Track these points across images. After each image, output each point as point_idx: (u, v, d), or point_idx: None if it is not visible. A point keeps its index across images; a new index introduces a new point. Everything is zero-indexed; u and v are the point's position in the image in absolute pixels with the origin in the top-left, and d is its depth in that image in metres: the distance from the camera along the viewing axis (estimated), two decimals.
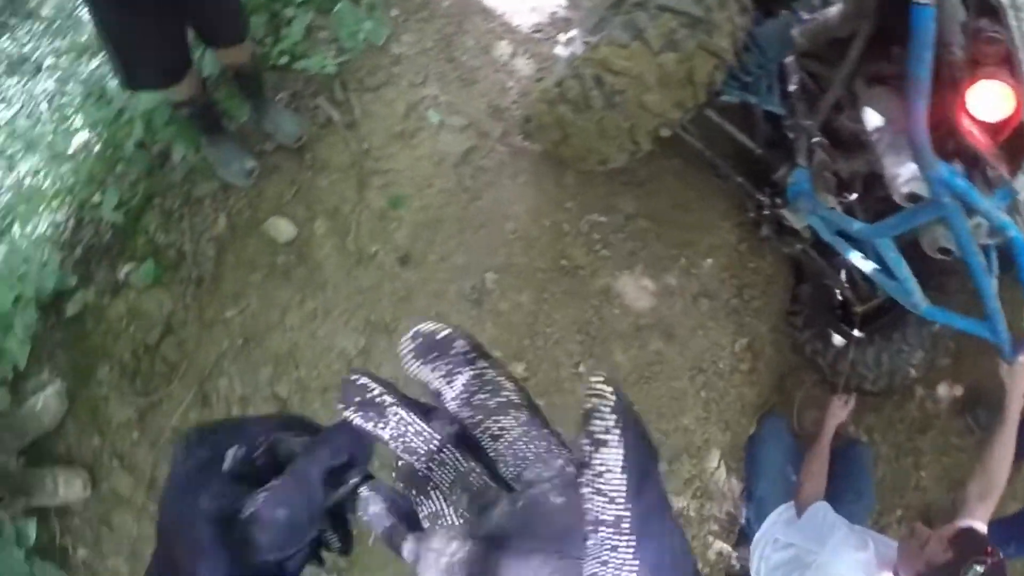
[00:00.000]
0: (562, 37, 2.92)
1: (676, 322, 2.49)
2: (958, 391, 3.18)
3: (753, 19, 2.38)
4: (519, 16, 3.08)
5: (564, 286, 2.43)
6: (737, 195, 2.63)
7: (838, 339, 2.82)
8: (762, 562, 2.51)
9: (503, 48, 3.01)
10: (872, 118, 2.11)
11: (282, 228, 2.69)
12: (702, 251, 2.58)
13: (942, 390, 3.16)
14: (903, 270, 2.16)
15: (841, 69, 2.17)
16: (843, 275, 2.74)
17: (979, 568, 1.95)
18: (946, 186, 1.68)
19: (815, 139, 2.36)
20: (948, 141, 1.72)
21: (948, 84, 1.64)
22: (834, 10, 2.12)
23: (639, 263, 2.50)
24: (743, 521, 2.75)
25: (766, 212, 2.53)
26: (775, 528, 2.55)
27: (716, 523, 2.69)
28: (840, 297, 2.83)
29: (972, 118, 1.63)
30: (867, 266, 2.29)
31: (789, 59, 2.39)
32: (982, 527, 2.18)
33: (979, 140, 1.65)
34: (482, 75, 2.89)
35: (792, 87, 2.50)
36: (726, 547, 2.70)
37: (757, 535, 2.59)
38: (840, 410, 2.79)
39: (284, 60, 2.97)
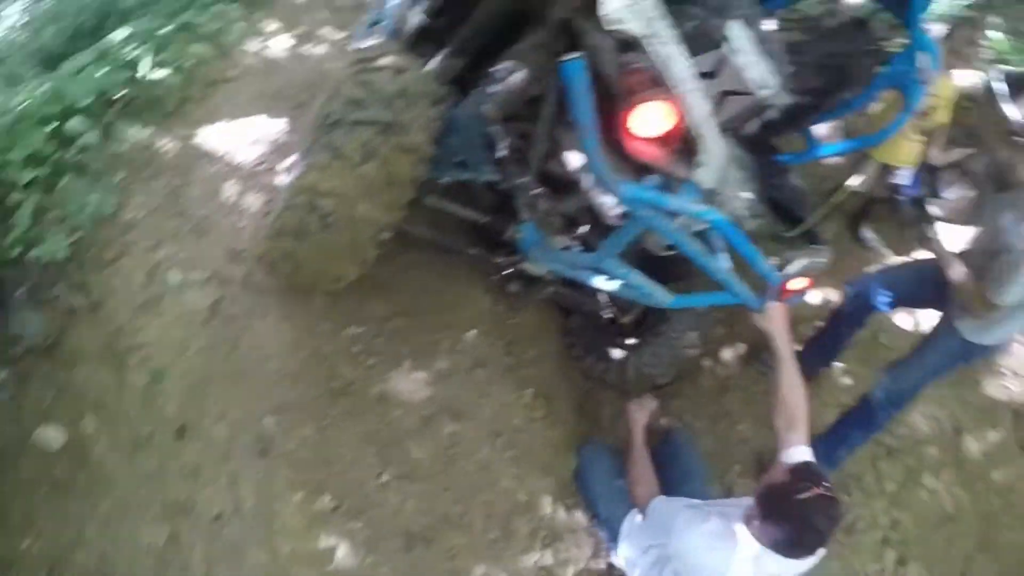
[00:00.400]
0: (283, 165, 2.97)
1: (459, 400, 2.61)
2: (741, 348, 3.51)
3: (450, 104, 2.53)
4: (242, 152, 3.12)
5: (342, 406, 2.50)
6: (479, 264, 2.77)
7: (618, 352, 3.05)
8: (636, 571, 2.65)
9: (230, 189, 3.03)
10: (574, 159, 2.30)
11: (51, 436, 2.58)
12: (463, 326, 2.72)
13: (727, 353, 3.49)
14: (637, 279, 2.38)
15: (540, 123, 2.35)
16: (600, 296, 2.96)
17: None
18: (637, 201, 1.87)
19: (532, 192, 2.55)
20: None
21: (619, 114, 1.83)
22: (516, 77, 2.29)
23: (406, 359, 2.60)
24: (608, 549, 2.85)
25: (508, 271, 2.69)
26: (631, 539, 2.69)
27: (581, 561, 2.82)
28: (606, 316, 3.05)
29: (639, 137, 1.84)
30: (610, 286, 2.50)
31: (494, 127, 2.56)
32: (805, 450, 2.39)
33: (650, 153, 1.87)
34: (214, 222, 2.89)
35: (501, 152, 2.69)
36: None
37: (623, 556, 2.71)
38: (639, 412, 2.98)
39: (17, 251, 2.83)
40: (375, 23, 3.57)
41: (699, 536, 2.39)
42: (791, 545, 2.24)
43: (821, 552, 2.31)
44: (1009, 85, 2.27)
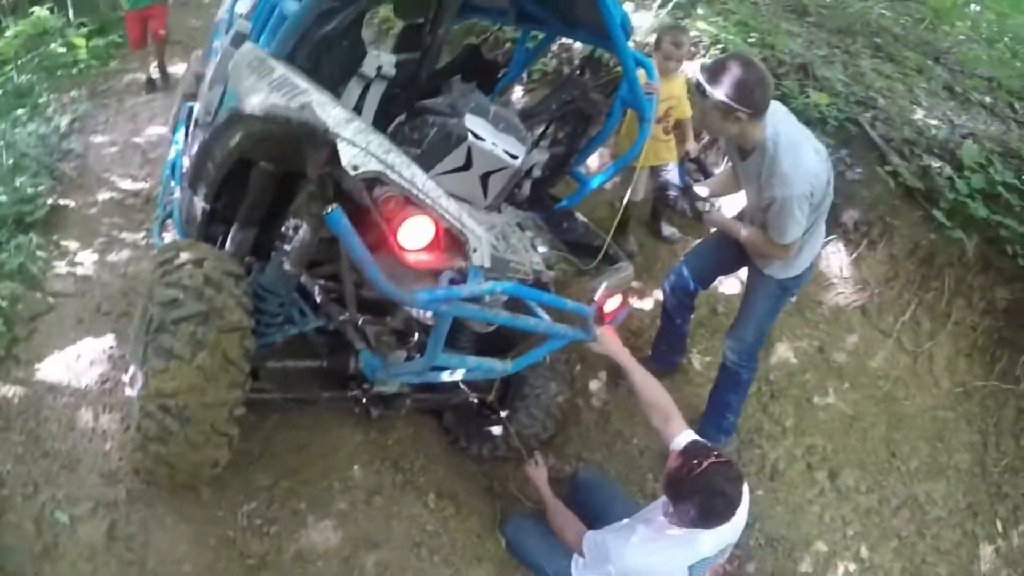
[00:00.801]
0: (126, 377, 3.00)
1: (370, 530, 2.71)
2: (603, 375, 3.80)
3: (256, 273, 2.69)
4: (83, 376, 3.11)
5: None
6: (337, 404, 2.93)
7: (496, 428, 3.26)
8: None
9: (85, 416, 2.99)
10: None
11: None
12: (346, 465, 2.85)
13: (593, 384, 3.77)
14: (472, 362, 2.59)
15: (342, 260, 2.56)
16: (457, 387, 3.18)
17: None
18: (434, 302, 2.08)
19: (359, 323, 2.74)
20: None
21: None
22: (304, 231, 2.48)
23: (307, 514, 2.68)
24: None
25: (364, 400, 2.86)
26: None
27: None
28: (470, 401, 3.27)
29: (413, 250, 2.05)
30: (457, 376, 2.71)
31: (302, 279, 2.73)
32: (688, 433, 2.65)
33: (428, 259, 2.08)
34: (81, 451, 2.83)
35: (319, 297, 2.87)
36: None
37: None
38: (538, 472, 3.16)
39: None
40: (165, 218, 3.72)
41: (632, 549, 2.57)
42: (707, 516, 2.46)
43: (741, 512, 2.56)
44: (710, 72, 2.67)
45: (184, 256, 2.38)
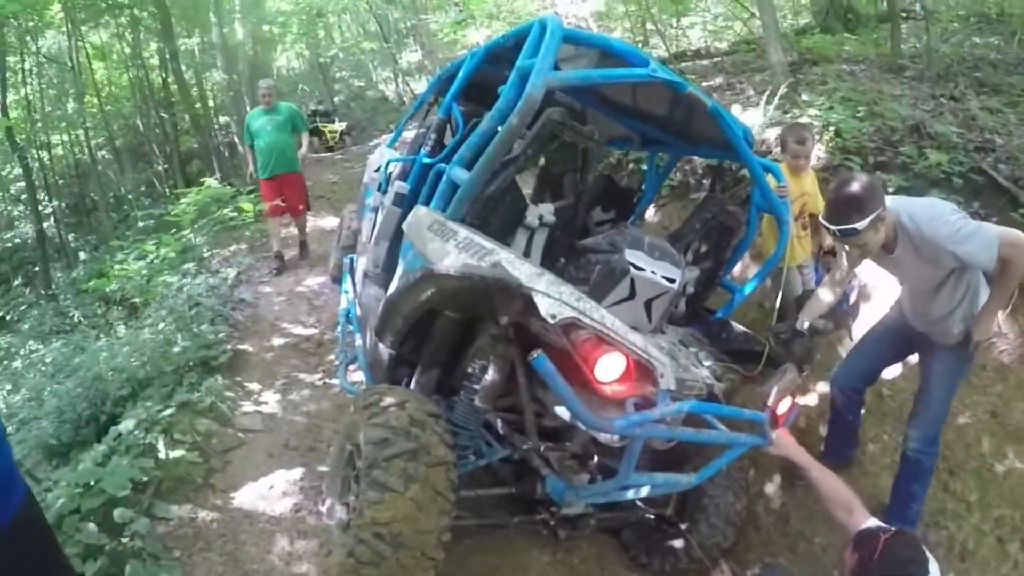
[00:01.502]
0: (322, 508, 3.27)
1: None
2: (776, 478, 3.77)
3: (444, 409, 2.92)
4: (276, 505, 3.39)
5: None
6: (527, 527, 3.07)
7: (676, 541, 3.30)
8: None
9: (281, 541, 3.26)
10: (561, 410, 2.67)
11: None
12: None
13: (769, 488, 3.73)
14: (659, 479, 2.71)
15: (522, 393, 2.77)
16: (638, 504, 3.27)
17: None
18: (630, 427, 2.23)
19: (541, 450, 2.92)
20: None
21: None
22: (491, 373, 2.74)
23: None
24: None
25: (553, 523, 3.00)
26: None
27: None
28: (651, 516, 3.35)
29: (609, 382, 2.22)
30: (643, 492, 2.80)
31: (488, 414, 2.95)
32: (871, 521, 2.63)
33: (622, 390, 2.25)
34: (277, 573, 3.07)
35: (502, 429, 3.08)
36: None
37: None
38: None
39: None
40: (350, 362, 4.10)
41: None
42: None
43: None
44: (841, 212, 2.75)
45: (388, 400, 2.63)
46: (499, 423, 3.11)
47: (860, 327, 4.34)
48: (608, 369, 2.19)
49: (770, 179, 3.41)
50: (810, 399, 4.09)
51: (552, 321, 2.12)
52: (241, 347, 5.18)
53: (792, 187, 3.82)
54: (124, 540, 3.06)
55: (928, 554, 2.56)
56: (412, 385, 3.09)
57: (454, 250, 2.51)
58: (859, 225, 2.65)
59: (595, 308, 2.19)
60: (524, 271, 2.24)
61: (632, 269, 2.78)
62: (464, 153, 2.85)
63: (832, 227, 2.73)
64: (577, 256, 2.98)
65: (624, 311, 2.81)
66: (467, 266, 2.37)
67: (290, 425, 4.22)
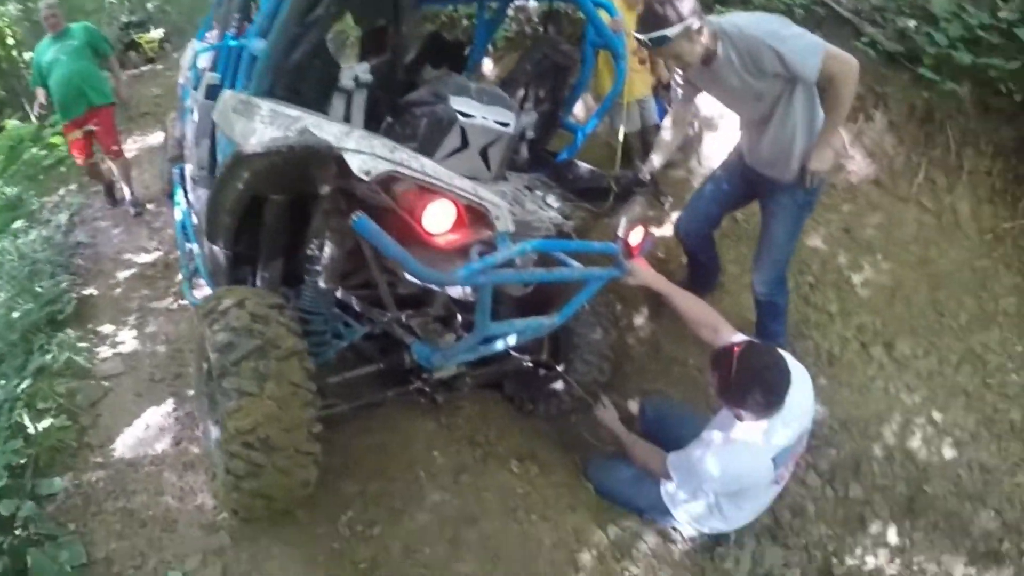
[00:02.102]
0: (198, 432, 3.13)
1: (464, 506, 2.79)
2: (645, 309, 3.87)
3: (293, 299, 2.78)
4: (158, 443, 3.24)
5: None
6: (403, 398, 3.04)
7: (555, 384, 3.36)
8: (706, 522, 2.92)
9: (170, 479, 3.06)
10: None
11: None
12: (426, 453, 2.95)
13: (638, 319, 3.83)
14: (520, 325, 2.68)
15: (372, 266, 2.65)
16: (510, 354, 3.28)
17: None
18: (473, 275, 2.16)
19: (402, 319, 2.84)
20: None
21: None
22: (329, 249, 2.59)
23: (402, 509, 2.79)
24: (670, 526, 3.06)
25: (427, 388, 2.96)
26: (678, 502, 2.94)
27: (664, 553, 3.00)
28: (527, 364, 3.37)
29: (441, 233, 2.10)
30: (510, 342, 2.79)
31: (338, 294, 2.82)
32: (742, 338, 2.73)
33: (457, 238, 2.14)
34: (176, 513, 2.87)
35: (358, 307, 2.97)
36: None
37: (684, 519, 2.96)
38: (605, 412, 3.25)
39: None
40: (191, 276, 3.83)
41: (715, 457, 2.70)
42: (768, 394, 2.56)
43: (805, 394, 2.66)
44: (652, 21, 2.67)
45: (225, 302, 2.47)
46: (355, 301, 2.98)
47: (708, 155, 4.45)
48: (437, 219, 2.06)
49: (603, 14, 3.29)
50: (667, 229, 4.16)
51: (367, 178, 1.96)
52: (86, 292, 4.75)
53: (627, 21, 3.72)
54: (17, 532, 2.85)
55: (793, 360, 2.70)
56: (258, 282, 2.91)
57: (260, 126, 2.29)
58: (670, 32, 2.58)
59: (413, 157, 2.03)
60: (331, 132, 2.05)
61: (460, 117, 2.63)
62: (261, 22, 2.59)
63: (643, 36, 2.65)
64: (402, 112, 2.79)
65: (459, 162, 2.68)
66: (273, 139, 2.17)
67: (152, 358, 3.95)
